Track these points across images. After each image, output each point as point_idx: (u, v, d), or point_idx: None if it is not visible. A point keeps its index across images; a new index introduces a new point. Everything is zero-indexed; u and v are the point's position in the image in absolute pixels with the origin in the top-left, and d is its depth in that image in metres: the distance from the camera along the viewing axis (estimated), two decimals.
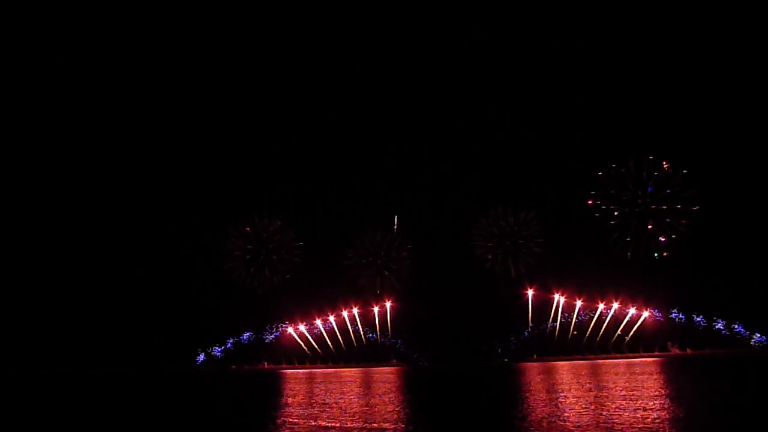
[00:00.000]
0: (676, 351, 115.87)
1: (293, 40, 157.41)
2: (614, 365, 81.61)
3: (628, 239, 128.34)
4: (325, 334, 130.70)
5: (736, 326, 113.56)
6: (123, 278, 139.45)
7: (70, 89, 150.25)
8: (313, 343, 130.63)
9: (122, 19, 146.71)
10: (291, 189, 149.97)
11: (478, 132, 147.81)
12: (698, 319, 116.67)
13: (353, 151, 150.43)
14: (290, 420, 27.89)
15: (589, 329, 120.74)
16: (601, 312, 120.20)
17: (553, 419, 24.98)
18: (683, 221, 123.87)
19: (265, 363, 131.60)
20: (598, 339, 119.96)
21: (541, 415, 26.64)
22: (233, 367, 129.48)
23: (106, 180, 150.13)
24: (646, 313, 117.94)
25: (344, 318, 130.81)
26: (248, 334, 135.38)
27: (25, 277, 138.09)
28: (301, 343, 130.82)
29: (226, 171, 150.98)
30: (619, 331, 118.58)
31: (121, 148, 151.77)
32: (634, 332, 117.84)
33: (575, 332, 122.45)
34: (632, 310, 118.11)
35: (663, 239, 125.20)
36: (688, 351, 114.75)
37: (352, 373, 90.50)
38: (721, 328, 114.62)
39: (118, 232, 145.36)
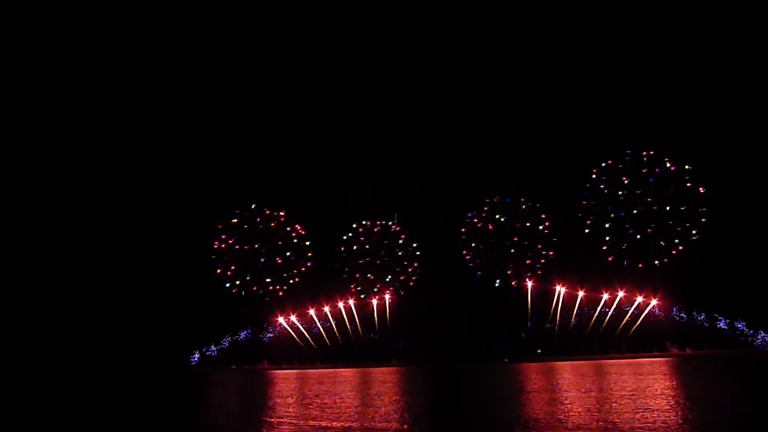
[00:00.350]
0: (675, 351, 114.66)
1: (294, 39, 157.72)
2: (612, 365, 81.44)
3: (625, 246, 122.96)
4: (320, 327, 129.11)
5: (739, 325, 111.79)
6: (122, 278, 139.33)
7: (69, 89, 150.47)
8: (307, 336, 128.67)
9: (122, 18, 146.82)
10: (291, 189, 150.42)
11: (479, 132, 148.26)
12: (701, 318, 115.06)
13: (353, 152, 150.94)
14: (290, 420, 27.83)
15: (592, 322, 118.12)
16: (605, 303, 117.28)
17: (552, 419, 24.92)
18: (688, 224, 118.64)
19: (265, 363, 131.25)
20: (601, 330, 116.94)
21: (539, 415, 26.58)
22: (233, 367, 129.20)
23: (106, 180, 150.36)
24: (654, 302, 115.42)
25: (340, 309, 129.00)
26: (245, 333, 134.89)
27: (24, 278, 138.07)
28: (294, 335, 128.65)
29: (226, 171, 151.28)
30: (625, 320, 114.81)
31: (121, 148, 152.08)
32: (639, 325, 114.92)
33: (574, 325, 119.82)
34: (639, 299, 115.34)
35: (663, 243, 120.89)
36: (688, 350, 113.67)
37: (351, 373, 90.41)
38: (724, 326, 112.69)
39: (117, 232, 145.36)
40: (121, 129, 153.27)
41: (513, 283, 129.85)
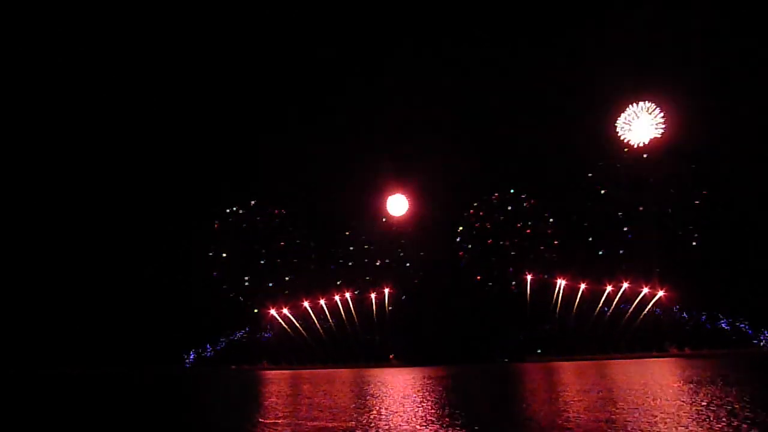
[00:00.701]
0: (674, 350, 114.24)
1: (292, 37, 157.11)
2: (614, 365, 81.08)
3: (621, 251, 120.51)
4: (318, 326, 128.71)
5: (741, 325, 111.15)
6: (120, 278, 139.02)
7: (66, 90, 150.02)
8: (305, 335, 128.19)
9: (120, 18, 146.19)
10: (291, 189, 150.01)
11: (479, 128, 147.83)
12: (702, 317, 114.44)
13: (353, 152, 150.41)
14: (286, 420, 27.50)
15: (592, 319, 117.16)
16: (607, 298, 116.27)
17: (552, 419, 24.59)
18: (690, 227, 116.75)
19: (265, 363, 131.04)
20: (602, 329, 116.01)
21: (540, 415, 26.30)
22: (233, 367, 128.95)
23: (104, 180, 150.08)
24: (661, 293, 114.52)
25: (337, 303, 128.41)
26: (242, 333, 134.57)
27: (22, 279, 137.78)
28: (291, 332, 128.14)
29: (225, 169, 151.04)
30: (627, 316, 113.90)
31: (119, 148, 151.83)
32: (640, 323, 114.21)
33: (574, 324, 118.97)
34: (645, 290, 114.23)
35: (663, 245, 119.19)
36: (687, 350, 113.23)
37: (350, 373, 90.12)
38: (726, 326, 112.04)
39: (116, 233, 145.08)
40: (119, 128, 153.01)
41: (513, 286, 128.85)
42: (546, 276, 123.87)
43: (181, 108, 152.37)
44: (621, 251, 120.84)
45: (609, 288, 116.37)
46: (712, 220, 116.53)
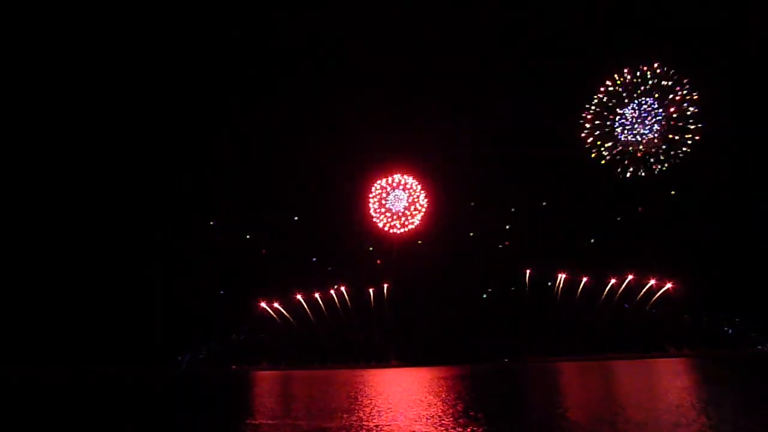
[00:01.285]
0: (673, 351, 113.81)
1: (291, 42, 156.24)
2: (612, 365, 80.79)
3: (619, 256, 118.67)
4: (316, 325, 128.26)
5: (742, 326, 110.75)
6: (117, 279, 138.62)
7: (66, 88, 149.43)
8: (298, 328, 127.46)
9: (118, 18, 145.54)
10: (291, 190, 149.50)
11: (479, 127, 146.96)
12: (704, 318, 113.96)
13: (351, 157, 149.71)
14: (280, 422, 27.14)
15: (593, 317, 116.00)
16: (608, 293, 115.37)
17: (553, 418, 24.21)
18: (691, 227, 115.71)
19: (264, 363, 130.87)
20: (602, 328, 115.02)
21: (540, 414, 25.96)
22: (233, 367, 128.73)
23: (102, 181, 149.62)
24: (668, 285, 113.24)
25: (335, 303, 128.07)
26: (238, 333, 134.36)
27: (19, 279, 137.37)
28: (284, 326, 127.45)
29: (223, 167, 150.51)
30: (630, 310, 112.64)
31: (118, 148, 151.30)
32: (643, 322, 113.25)
33: (574, 323, 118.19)
34: (652, 282, 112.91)
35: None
36: (686, 351, 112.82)
37: (349, 374, 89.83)
38: (727, 328, 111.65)
39: (113, 235, 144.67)
40: (118, 130, 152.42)
41: (512, 285, 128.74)
42: (547, 282, 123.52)
43: (177, 104, 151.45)
44: (618, 255, 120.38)
45: (612, 281, 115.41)
46: (714, 219, 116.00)
